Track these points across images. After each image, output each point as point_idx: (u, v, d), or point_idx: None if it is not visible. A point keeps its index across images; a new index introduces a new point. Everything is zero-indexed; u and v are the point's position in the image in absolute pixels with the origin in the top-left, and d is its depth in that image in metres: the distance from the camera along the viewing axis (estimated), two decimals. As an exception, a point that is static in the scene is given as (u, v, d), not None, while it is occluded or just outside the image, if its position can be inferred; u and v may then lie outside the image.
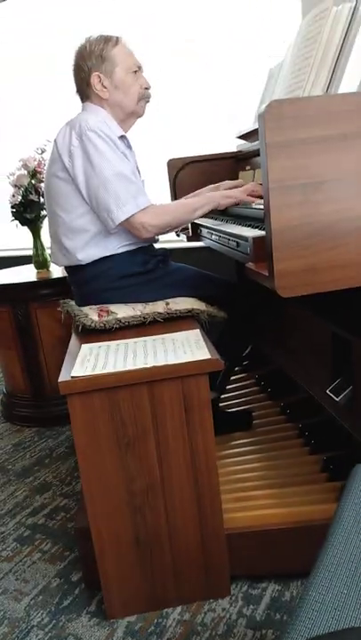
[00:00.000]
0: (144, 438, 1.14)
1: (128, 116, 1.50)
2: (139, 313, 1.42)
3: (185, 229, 1.92)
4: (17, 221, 2.32)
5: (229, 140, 2.04)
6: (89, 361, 1.17)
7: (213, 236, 1.51)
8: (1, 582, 1.40)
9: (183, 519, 1.20)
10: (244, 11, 2.41)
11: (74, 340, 1.39)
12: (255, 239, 1.08)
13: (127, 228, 1.39)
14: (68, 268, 1.53)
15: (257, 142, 1.70)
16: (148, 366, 1.10)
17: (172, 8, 2.58)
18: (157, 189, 2.01)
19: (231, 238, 1.28)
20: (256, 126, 1.20)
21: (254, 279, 1.08)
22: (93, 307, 1.45)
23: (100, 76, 1.43)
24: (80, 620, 1.25)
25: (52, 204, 1.46)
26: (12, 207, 2.28)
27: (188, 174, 2.05)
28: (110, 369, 1.11)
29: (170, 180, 2.08)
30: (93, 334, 1.38)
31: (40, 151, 2.28)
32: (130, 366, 1.11)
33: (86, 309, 1.44)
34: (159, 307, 1.45)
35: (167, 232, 1.47)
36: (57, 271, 2.34)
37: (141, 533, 1.19)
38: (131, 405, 1.12)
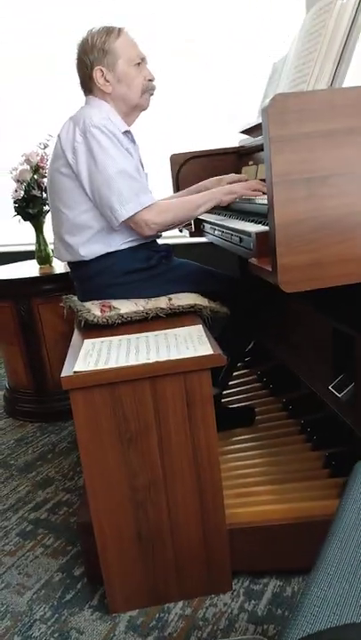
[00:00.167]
0: (146, 434, 1.14)
1: (132, 110, 1.49)
2: (141, 308, 1.42)
3: (188, 225, 1.91)
4: (19, 217, 2.32)
5: (230, 139, 2.04)
6: (91, 356, 1.17)
7: (216, 232, 1.51)
8: (4, 576, 1.41)
9: (185, 514, 1.20)
10: (244, 10, 2.40)
11: (76, 335, 1.39)
12: (258, 234, 1.08)
13: (130, 225, 1.38)
14: (70, 264, 1.53)
15: (260, 137, 1.69)
16: (150, 362, 1.10)
17: (172, 8, 2.57)
18: (160, 183, 2.01)
19: (234, 234, 1.27)
20: (259, 121, 1.20)
21: (257, 274, 1.07)
22: (96, 302, 1.45)
23: (102, 70, 1.42)
24: (82, 614, 1.25)
25: (56, 199, 1.45)
26: (15, 202, 2.28)
27: (190, 169, 2.04)
28: (113, 364, 1.10)
29: (172, 176, 2.08)
30: (96, 330, 1.38)
31: (43, 146, 2.27)
32: (132, 362, 1.11)
33: (89, 305, 1.44)
34: (162, 302, 1.44)
35: (170, 229, 1.47)
36: (59, 266, 2.33)
37: (143, 528, 1.19)
38: (133, 401, 1.12)
